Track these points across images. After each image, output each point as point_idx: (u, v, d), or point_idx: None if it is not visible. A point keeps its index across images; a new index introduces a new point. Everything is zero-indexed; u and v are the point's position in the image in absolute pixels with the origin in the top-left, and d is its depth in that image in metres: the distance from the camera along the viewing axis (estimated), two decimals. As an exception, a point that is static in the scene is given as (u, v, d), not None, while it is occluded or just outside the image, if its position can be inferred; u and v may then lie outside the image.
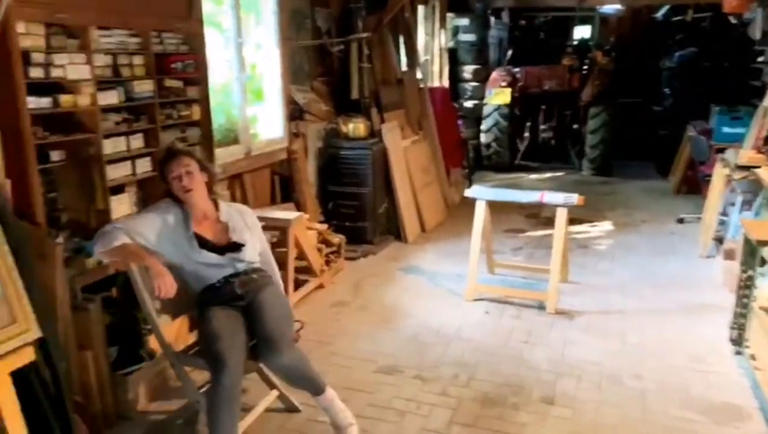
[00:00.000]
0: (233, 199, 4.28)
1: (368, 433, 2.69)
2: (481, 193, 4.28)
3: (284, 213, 4.07)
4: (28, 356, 1.89)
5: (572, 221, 5.26)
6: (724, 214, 5.14)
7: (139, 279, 2.49)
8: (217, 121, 4.05)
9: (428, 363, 3.31)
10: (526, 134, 9.09)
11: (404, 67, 6.51)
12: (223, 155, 4.06)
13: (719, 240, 5.14)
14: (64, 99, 2.64)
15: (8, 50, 2.33)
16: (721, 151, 5.53)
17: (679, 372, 3.20)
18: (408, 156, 5.73)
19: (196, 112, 3.47)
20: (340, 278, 4.60)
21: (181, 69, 3.30)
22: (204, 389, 2.51)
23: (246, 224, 2.72)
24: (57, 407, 2.15)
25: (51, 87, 2.61)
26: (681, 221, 6.04)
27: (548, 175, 8.58)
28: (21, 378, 2.00)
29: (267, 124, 4.75)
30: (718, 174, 5.21)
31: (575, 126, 8.85)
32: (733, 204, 4.85)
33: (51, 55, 2.58)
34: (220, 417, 2.24)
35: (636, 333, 3.64)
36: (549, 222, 5.86)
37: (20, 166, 2.43)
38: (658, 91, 9.03)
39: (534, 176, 8.50)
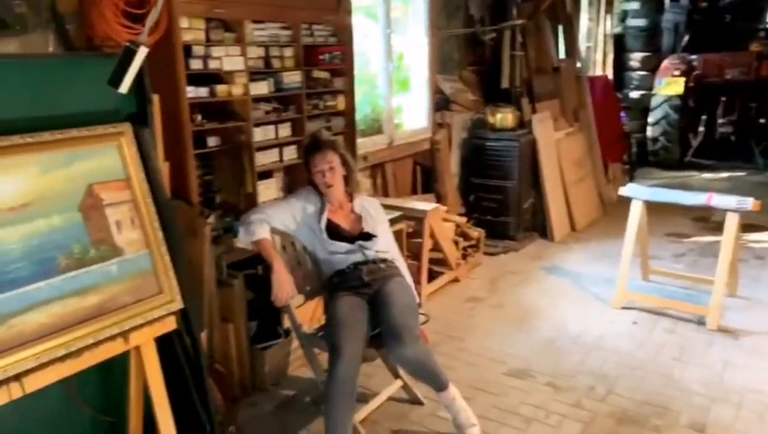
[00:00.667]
0: (375, 188, 4.37)
1: (490, 436, 2.60)
2: (637, 192, 3.91)
3: (421, 203, 4.05)
4: (171, 324, 2.06)
5: (749, 228, 4.64)
6: None
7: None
8: (362, 111, 4.14)
9: (563, 370, 3.11)
10: (701, 128, 8.15)
11: (562, 55, 6.17)
12: (366, 144, 4.14)
13: None
14: (220, 89, 2.84)
15: (172, 44, 2.55)
16: None
17: None
18: (560, 149, 5.43)
19: (341, 103, 3.56)
20: (477, 273, 4.49)
21: (328, 60, 3.41)
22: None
23: (376, 216, 2.77)
24: (195, 371, 2.33)
25: (208, 77, 2.82)
26: None
27: (725, 174, 7.66)
28: (165, 343, 2.20)
29: (412, 114, 4.77)
30: None
31: (762, 120, 7.78)
32: None
33: (209, 48, 2.79)
34: (334, 407, 2.28)
35: (819, 364, 3.11)
36: (720, 228, 5.22)
37: (179, 151, 2.67)
38: None
39: (707, 175, 7.64)
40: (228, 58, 2.85)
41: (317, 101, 3.42)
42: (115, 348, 1.91)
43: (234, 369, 2.83)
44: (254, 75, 3.02)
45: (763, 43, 7.76)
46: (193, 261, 2.60)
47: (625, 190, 3.98)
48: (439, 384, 2.52)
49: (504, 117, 5.04)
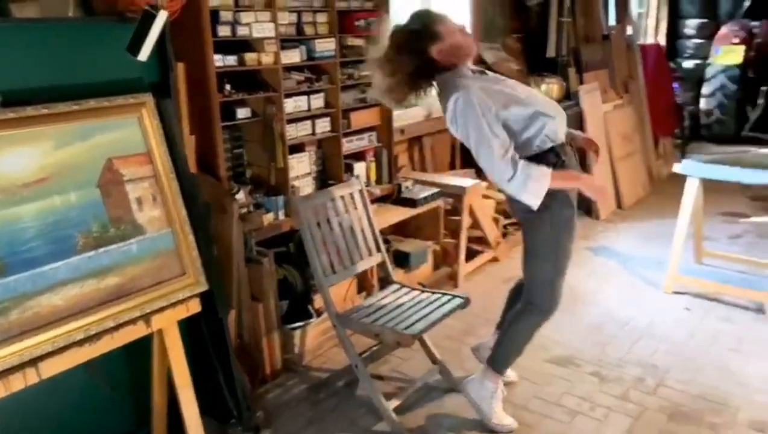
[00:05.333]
0: (412, 162, 4.20)
1: (532, 429, 2.45)
2: (695, 169, 3.61)
3: (460, 179, 3.87)
4: (196, 307, 1.97)
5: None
6: None
7: (309, 237, 2.50)
8: (399, 81, 3.94)
9: (610, 359, 2.93)
10: (760, 101, 7.63)
11: (612, 22, 5.81)
12: (403, 117, 3.96)
13: None
14: (249, 57, 2.69)
15: (198, 8, 2.41)
16: None
17: None
18: (608, 122, 5.13)
19: (377, 72, 3.38)
20: (518, 252, 4.27)
21: (363, 27, 3.22)
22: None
23: None
24: (221, 354, 2.24)
25: (237, 45, 2.68)
26: None
27: (785, 150, 7.19)
28: (191, 323, 2.11)
29: (452, 85, 4.54)
30: None
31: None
32: None
33: (238, 13, 2.64)
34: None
35: None
36: (781, 208, 4.93)
37: (206, 123, 2.55)
38: None
39: (765, 150, 7.17)
40: (258, 24, 2.69)
41: (352, 70, 3.25)
42: (136, 332, 1.82)
43: (264, 349, 2.74)
44: (285, 42, 2.86)
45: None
46: (222, 239, 2.49)
47: (680, 167, 3.69)
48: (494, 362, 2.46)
49: (549, 88, 4.77)
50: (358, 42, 3.23)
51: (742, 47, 7.05)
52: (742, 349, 2.98)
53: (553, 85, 4.78)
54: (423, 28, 2.13)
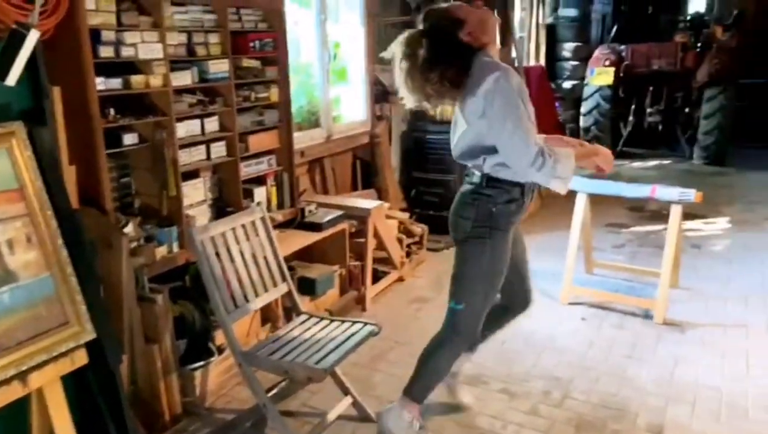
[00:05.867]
0: (313, 185, 4.11)
1: (447, 454, 2.43)
2: (583, 184, 3.83)
3: (363, 201, 3.84)
4: (81, 359, 1.76)
5: (683, 216, 4.69)
6: None
7: (208, 270, 2.34)
8: (298, 102, 3.87)
9: (516, 374, 2.98)
10: (631, 118, 8.31)
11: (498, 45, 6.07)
12: (303, 139, 3.88)
13: None
14: (136, 80, 2.50)
15: (76, 28, 2.20)
16: None
17: (820, 407, 2.69)
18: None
19: (274, 94, 3.28)
20: (422, 271, 4.33)
21: (258, 48, 3.12)
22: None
23: None
24: (113, 406, 2.03)
25: (122, 67, 2.48)
26: (815, 221, 5.28)
27: (654, 163, 7.86)
28: (77, 375, 1.89)
29: (350, 107, 4.53)
30: None
31: (687, 109, 8.02)
32: None
33: (122, 33, 2.44)
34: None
35: (762, 354, 3.12)
36: (655, 217, 5.32)
37: (88, 151, 2.32)
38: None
39: (637, 164, 7.81)
40: (144, 45, 2.51)
41: (248, 92, 3.12)
42: (10, 394, 1.59)
43: (161, 395, 2.52)
44: (175, 64, 2.69)
45: (686, 34, 7.97)
46: (110, 278, 2.27)
47: (571, 184, 3.88)
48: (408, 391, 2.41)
49: (445, 108, 4.86)
50: (253, 63, 3.12)
51: (613, 69, 7.64)
52: (634, 355, 3.16)
53: (448, 106, 4.86)
54: (443, 20, 2.10)
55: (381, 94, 4.76)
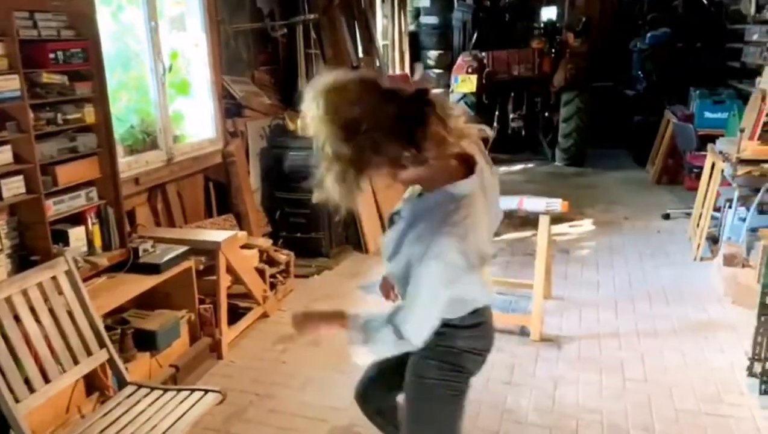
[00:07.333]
0: (155, 216, 3.57)
1: None
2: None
3: (212, 232, 3.37)
4: None
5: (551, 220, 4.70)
6: (716, 209, 4.66)
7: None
8: (126, 123, 3.33)
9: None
10: (495, 124, 8.45)
11: (360, 54, 5.83)
12: (137, 164, 3.34)
13: (713, 239, 4.66)
14: None
15: None
16: (708, 138, 5.04)
17: (693, 419, 2.65)
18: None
19: (89, 114, 2.73)
20: (290, 302, 3.93)
21: (63, 60, 2.57)
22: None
23: None
24: None
25: None
26: (667, 217, 5.53)
27: (519, 166, 8.02)
28: None
29: (196, 123, 4.03)
30: (711, 166, 4.69)
31: (546, 114, 8.29)
32: (729, 200, 4.36)
33: None
34: None
35: (636, 365, 3.08)
36: (526, 223, 5.29)
37: None
38: (630, 74, 8.54)
39: (503, 168, 7.91)
40: None
41: (52, 114, 2.56)
42: None
43: None
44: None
45: (541, 40, 8.24)
46: None
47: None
48: None
49: (304, 123, 4.51)
50: (56, 78, 2.56)
51: (476, 76, 7.69)
52: (513, 381, 2.98)
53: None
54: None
55: (233, 108, 4.31)
